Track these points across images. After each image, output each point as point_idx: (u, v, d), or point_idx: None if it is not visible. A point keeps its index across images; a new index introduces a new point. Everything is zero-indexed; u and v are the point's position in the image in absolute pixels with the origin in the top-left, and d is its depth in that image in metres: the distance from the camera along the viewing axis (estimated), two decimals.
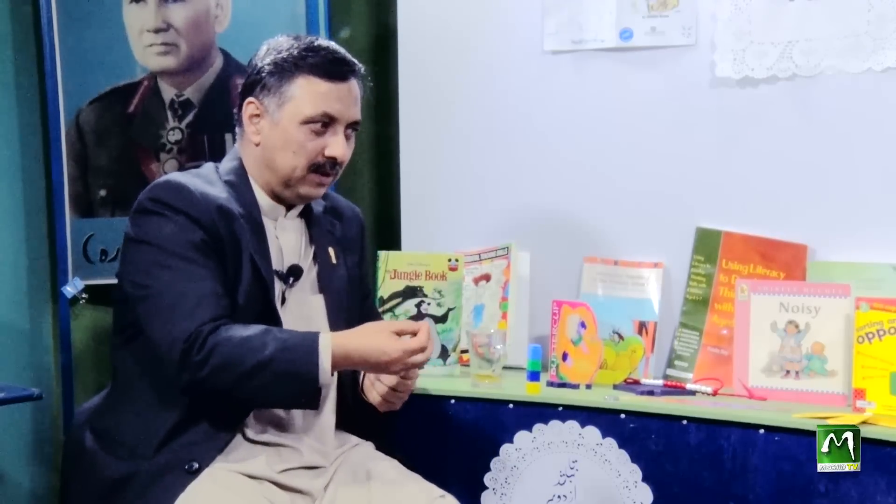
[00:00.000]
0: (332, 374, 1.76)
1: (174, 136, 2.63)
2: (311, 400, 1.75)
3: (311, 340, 1.72)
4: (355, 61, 1.89)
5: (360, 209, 2.14)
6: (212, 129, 2.62)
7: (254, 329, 1.73)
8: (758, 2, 2.25)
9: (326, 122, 1.83)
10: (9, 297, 2.59)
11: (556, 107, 2.47)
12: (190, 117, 2.63)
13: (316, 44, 1.86)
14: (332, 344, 1.72)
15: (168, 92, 2.63)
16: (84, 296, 2.61)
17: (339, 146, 1.84)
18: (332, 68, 1.83)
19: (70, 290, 2.59)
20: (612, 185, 2.42)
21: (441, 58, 2.59)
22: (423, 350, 1.75)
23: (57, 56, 2.56)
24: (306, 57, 1.83)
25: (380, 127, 2.81)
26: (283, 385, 1.71)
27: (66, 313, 2.62)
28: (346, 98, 1.85)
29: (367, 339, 1.76)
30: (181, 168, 2.58)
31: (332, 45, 1.89)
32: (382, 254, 2.30)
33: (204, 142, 2.63)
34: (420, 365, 1.79)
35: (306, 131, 1.83)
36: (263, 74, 1.85)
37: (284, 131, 1.83)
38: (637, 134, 2.39)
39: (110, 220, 2.61)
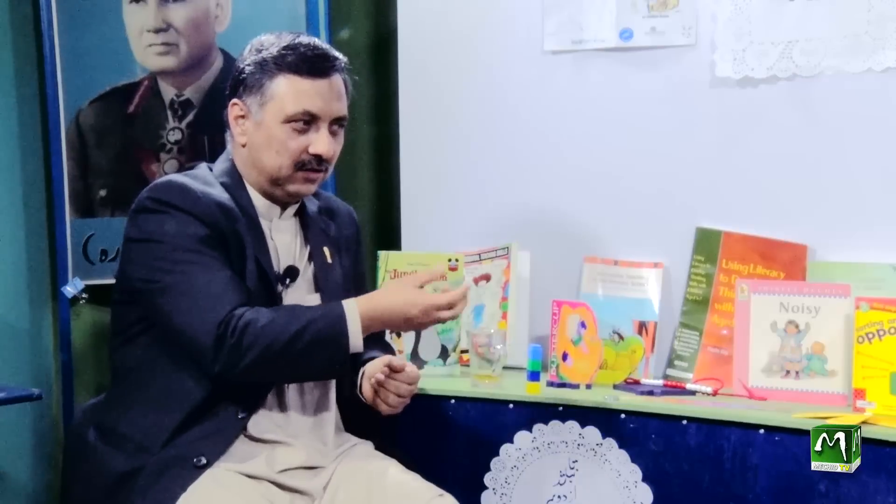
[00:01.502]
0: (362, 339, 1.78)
1: (174, 136, 2.63)
2: (343, 368, 1.78)
3: (337, 309, 1.76)
4: (337, 55, 1.88)
5: (358, 209, 2.14)
6: (212, 129, 2.61)
7: (280, 308, 1.77)
8: (758, 2, 2.25)
9: (308, 120, 1.83)
10: (9, 297, 2.59)
11: (556, 107, 2.47)
12: (190, 117, 2.63)
13: (296, 41, 1.85)
14: (358, 308, 1.76)
15: (168, 92, 2.62)
16: (84, 296, 2.60)
17: (322, 143, 1.84)
18: (311, 65, 1.83)
19: (70, 290, 2.59)
20: (612, 185, 2.41)
21: (441, 58, 2.59)
22: (450, 307, 1.80)
23: (57, 56, 2.56)
24: (285, 55, 1.83)
25: (380, 127, 2.81)
26: (315, 357, 1.74)
27: (66, 313, 2.62)
28: (328, 94, 1.84)
29: (392, 295, 1.80)
30: (181, 168, 2.57)
31: (313, 41, 1.88)
32: (382, 254, 2.30)
33: (204, 142, 2.63)
34: (446, 320, 1.83)
35: (288, 130, 1.83)
36: (245, 75, 1.85)
37: (267, 131, 1.83)
38: (637, 134, 2.39)
39: (110, 220, 2.61)
